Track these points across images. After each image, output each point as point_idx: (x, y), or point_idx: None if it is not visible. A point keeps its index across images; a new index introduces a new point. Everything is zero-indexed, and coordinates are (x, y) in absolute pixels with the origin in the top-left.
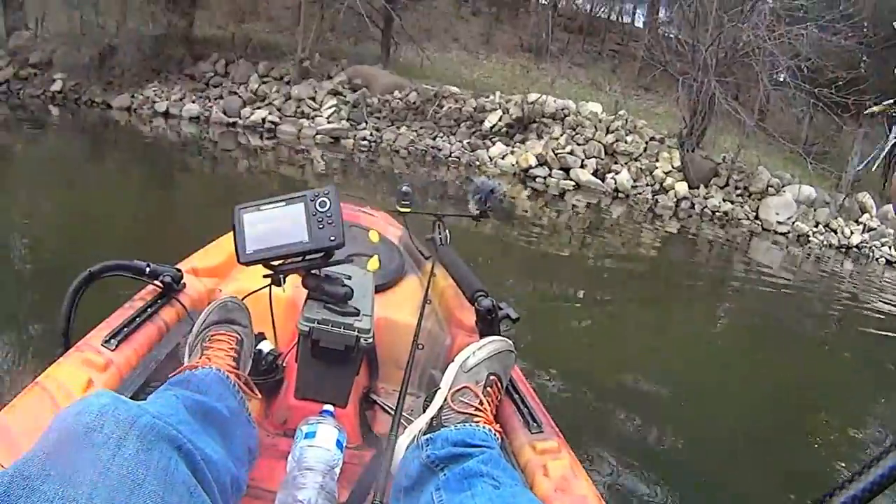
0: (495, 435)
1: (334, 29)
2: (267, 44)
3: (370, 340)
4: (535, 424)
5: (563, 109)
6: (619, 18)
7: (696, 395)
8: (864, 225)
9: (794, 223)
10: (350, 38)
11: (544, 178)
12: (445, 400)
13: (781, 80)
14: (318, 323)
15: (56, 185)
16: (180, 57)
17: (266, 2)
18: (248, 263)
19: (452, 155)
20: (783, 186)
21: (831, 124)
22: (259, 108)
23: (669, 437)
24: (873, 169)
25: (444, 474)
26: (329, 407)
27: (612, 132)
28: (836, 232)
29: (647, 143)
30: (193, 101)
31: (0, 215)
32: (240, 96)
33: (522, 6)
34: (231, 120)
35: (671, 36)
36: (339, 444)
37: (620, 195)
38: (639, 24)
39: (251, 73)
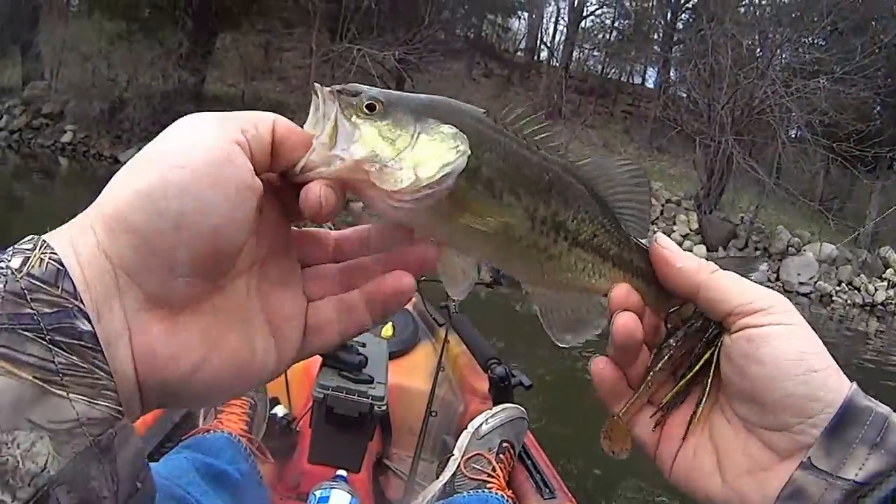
0: (508, 501)
1: None
2: (277, 103)
3: (384, 408)
4: (547, 490)
5: None
6: (630, 80)
7: None
8: (889, 281)
9: (816, 283)
10: None
11: None
12: (458, 466)
13: (797, 135)
14: (332, 390)
15: None
16: (189, 113)
17: (279, 61)
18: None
19: None
20: (803, 245)
21: (846, 178)
22: None
23: None
24: None
25: None
26: (342, 472)
27: None
28: (859, 290)
29: (663, 205)
30: None
31: None
32: None
33: (534, 68)
34: None
35: (684, 95)
36: None
37: None
38: (649, 84)
39: None
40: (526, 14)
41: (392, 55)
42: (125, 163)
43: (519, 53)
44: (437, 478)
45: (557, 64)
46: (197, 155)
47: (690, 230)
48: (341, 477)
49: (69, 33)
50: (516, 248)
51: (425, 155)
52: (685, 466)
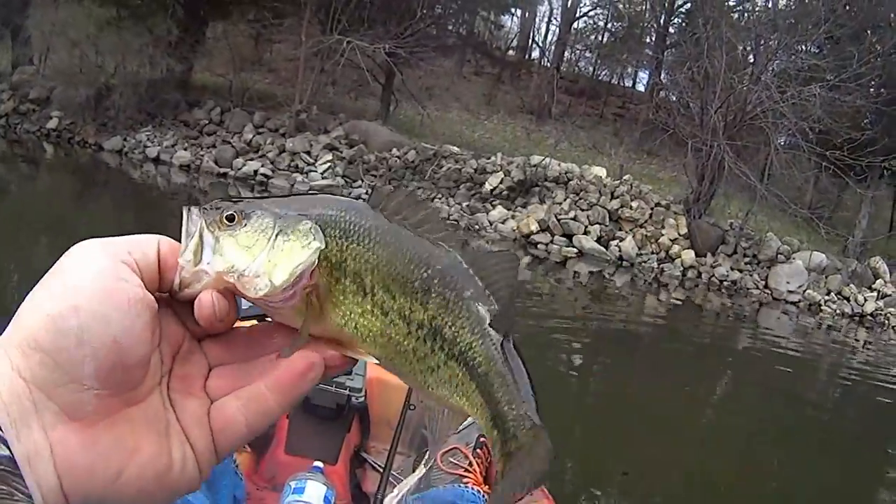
0: (484, 496)
1: (335, 83)
2: (265, 94)
3: (361, 399)
4: None
5: (566, 173)
6: (621, 82)
7: (695, 469)
8: (879, 291)
9: (805, 292)
10: (350, 92)
11: (546, 244)
12: (435, 460)
13: (789, 141)
14: None
15: (44, 228)
16: (176, 102)
17: (269, 52)
18: (242, 319)
19: (451, 218)
20: (793, 253)
21: (836, 187)
22: (252, 159)
23: None
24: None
25: None
26: (319, 463)
27: (617, 197)
28: (848, 300)
29: (652, 209)
30: (185, 149)
31: None
32: (233, 146)
33: (525, 67)
34: (222, 170)
35: (675, 99)
36: (326, 500)
37: (625, 263)
38: (640, 87)
39: (246, 123)
40: (519, 12)
41: (382, 48)
42: (110, 151)
43: (511, 52)
44: (414, 472)
45: (549, 64)
46: (90, 275)
47: (679, 234)
48: (317, 468)
49: (59, 18)
50: (397, 354)
51: (279, 257)
52: None
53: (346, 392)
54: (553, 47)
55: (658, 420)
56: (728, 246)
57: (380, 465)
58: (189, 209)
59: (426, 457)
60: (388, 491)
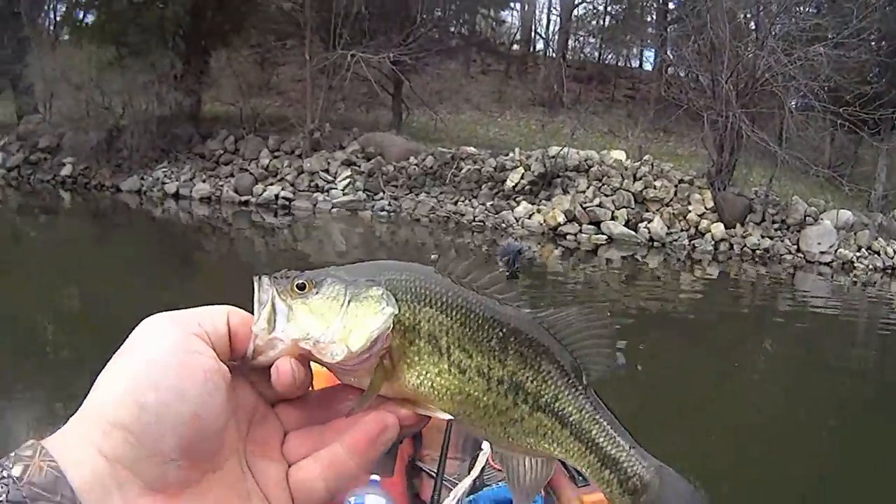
0: (540, 494)
1: (345, 98)
2: (276, 117)
3: None
4: (581, 478)
5: (586, 160)
6: (628, 63)
7: (747, 439)
8: None
9: (836, 251)
10: (361, 105)
11: (575, 234)
12: (487, 461)
13: (802, 103)
14: None
15: (69, 273)
16: (188, 136)
17: (275, 75)
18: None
19: (476, 219)
20: (820, 214)
21: (852, 143)
22: (271, 184)
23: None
24: None
25: None
26: (375, 477)
27: (640, 179)
28: (879, 254)
29: (676, 186)
30: (204, 181)
31: (13, 304)
32: (251, 173)
33: (531, 60)
34: (243, 198)
35: (684, 74)
36: None
37: (656, 244)
38: (648, 66)
39: (261, 149)
40: (518, 5)
41: (387, 58)
42: (128, 192)
43: (515, 47)
44: (469, 474)
45: (554, 54)
46: (164, 350)
47: (706, 209)
48: (375, 482)
49: (58, 63)
50: (476, 409)
51: (354, 324)
52: None
53: None
54: (556, 37)
55: (706, 395)
56: (756, 214)
57: (434, 472)
58: (259, 278)
59: (478, 459)
60: (443, 495)
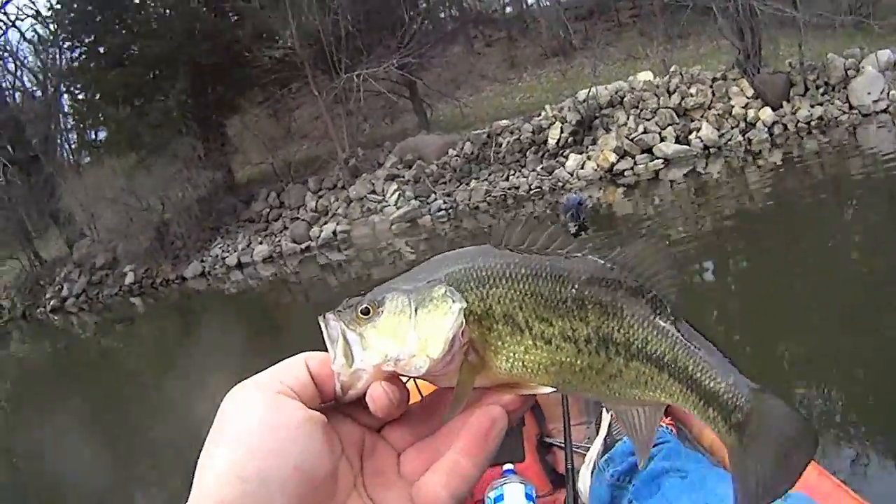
0: (668, 429)
1: (366, 118)
2: (308, 159)
3: None
4: None
5: (617, 93)
6: None
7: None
8: None
9: (890, 93)
10: (385, 119)
11: (631, 168)
12: (612, 416)
13: None
14: None
15: (162, 375)
16: (232, 207)
17: (294, 121)
18: None
19: (532, 187)
20: (860, 63)
21: None
22: (325, 223)
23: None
24: None
25: (633, 485)
26: (509, 465)
27: (674, 92)
28: None
29: (711, 86)
30: (260, 243)
31: (120, 423)
32: (302, 219)
33: (528, 17)
34: (303, 245)
35: None
36: (528, 497)
37: (712, 150)
38: None
39: (304, 193)
40: None
41: (392, 65)
42: (193, 278)
43: (508, 9)
44: (597, 434)
45: (548, 2)
46: (253, 417)
47: (748, 98)
48: (509, 471)
49: (89, 185)
50: (573, 375)
51: (428, 331)
52: None
53: None
54: None
55: (811, 285)
56: (797, 87)
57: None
58: (324, 317)
59: (603, 418)
60: (577, 463)
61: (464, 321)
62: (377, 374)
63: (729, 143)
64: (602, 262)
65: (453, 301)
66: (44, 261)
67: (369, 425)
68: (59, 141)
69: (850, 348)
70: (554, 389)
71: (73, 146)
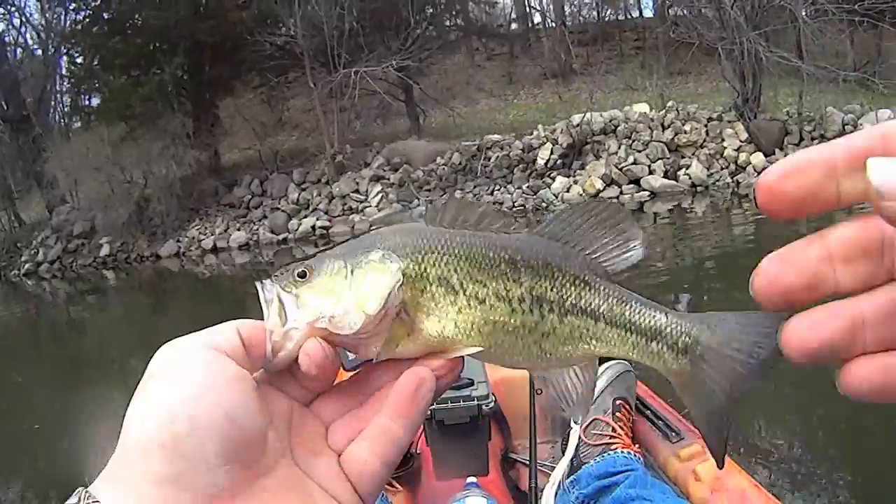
0: (636, 456)
1: (359, 116)
2: (296, 151)
3: (492, 404)
4: (673, 434)
5: (611, 121)
6: (628, 15)
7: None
8: None
9: None
10: (377, 119)
11: (616, 197)
12: (579, 437)
13: (814, 10)
14: (436, 403)
15: (138, 353)
16: (214, 189)
17: (286, 110)
18: (352, 369)
19: (516, 204)
20: (858, 119)
21: (872, 40)
22: (305, 216)
23: (812, 426)
24: None
25: None
26: (472, 478)
27: (668, 126)
28: None
29: (706, 125)
30: (238, 229)
31: (86, 393)
32: (283, 210)
33: (532, 35)
34: (280, 236)
35: (688, 11)
36: None
37: (699, 188)
38: (648, 13)
39: (288, 184)
40: None
41: (391, 66)
42: (167, 257)
43: (514, 26)
44: (563, 455)
45: (553, 23)
46: (186, 367)
47: (741, 141)
48: (472, 483)
49: (75, 152)
50: (506, 335)
51: (364, 289)
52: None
53: (476, 402)
54: (551, 6)
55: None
56: (793, 136)
57: (528, 461)
58: (261, 281)
59: (570, 438)
60: (541, 481)
61: (400, 280)
62: (309, 333)
63: (717, 183)
64: (531, 237)
65: (391, 261)
66: (23, 222)
67: (298, 398)
68: (52, 103)
69: (827, 388)
70: (481, 349)
71: (65, 110)
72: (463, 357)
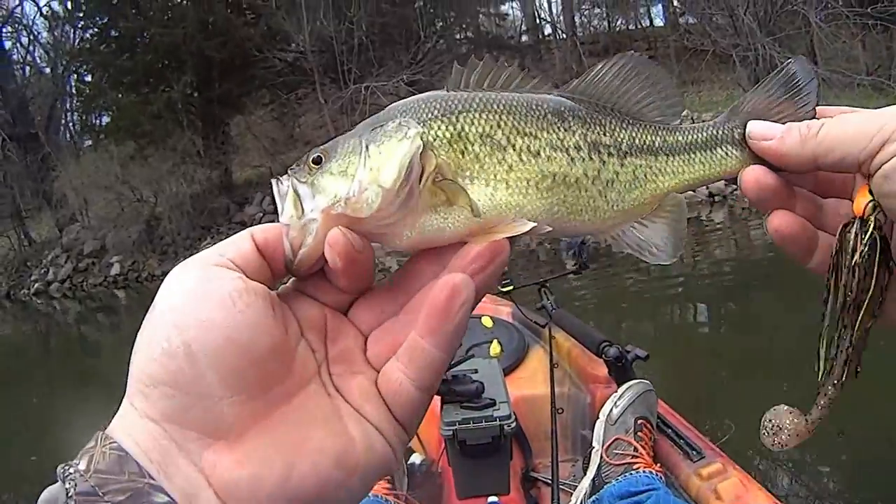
0: (657, 475)
1: None
2: None
3: (513, 425)
4: (694, 452)
5: None
6: (639, 25)
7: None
8: None
9: None
10: None
11: None
12: (601, 457)
13: (826, 15)
14: (459, 424)
15: None
16: (225, 207)
17: (297, 127)
18: None
19: None
20: None
21: (883, 40)
22: None
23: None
24: None
25: None
26: (494, 498)
27: None
28: None
29: None
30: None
31: (98, 414)
32: None
33: (543, 46)
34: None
35: (699, 18)
36: None
37: (717, 198)
38: (659, 22)
39: None
40: None
41: (401, 81)
42: None
43: (524, 38)
44: (585, 474)
45: (564, 35)
46: (182, 291)
47: None
48: (494, 503)
49: (84, 170)
50: (567, 188)
51: (379, 163)
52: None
53: (497, 423)
54: (561, 17)
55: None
56: None
57: (549, 480)
58: (277, 178)
59: (591, 457)
60: (563, 500)
61: (421, 144)
62: (328, 221)
63: (735, 192)
64: (563, 93)
65: (409, 127)
66: (33, 241)
67: (334, 304)
68: (62, 121)
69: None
70: (534, 225)
71: (75, 128)
72: (511, 242)
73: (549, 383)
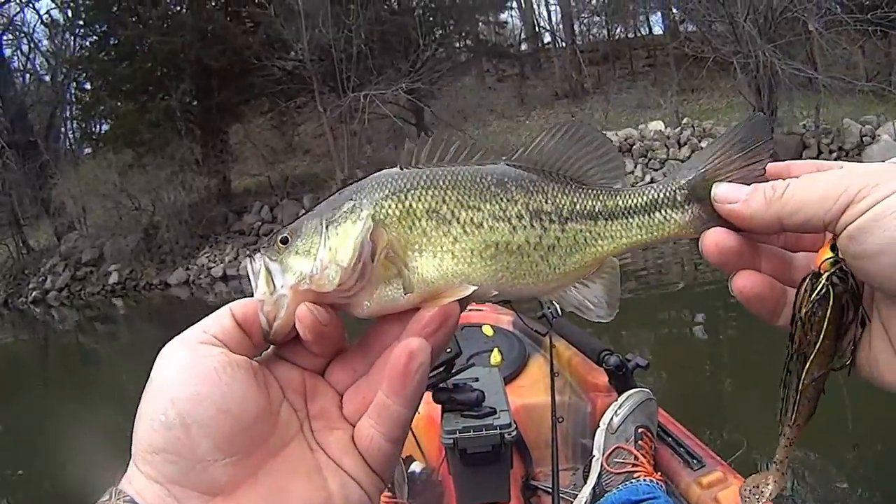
0: (658, 484)
1: (370, 140)
2: (306, 177)
3: (514, 433)
4: (695, 461)
5: (626, 139)
6: (638, 33)
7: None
8: None
9: None
10: (388, 143)
11: None
12: (602, 465)
13: (827, 21)
14: (459, 433)
15: (143, 378)
16: (223, 216)
17: (296, 135)
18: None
19: None
20: (876, 130)
21: (882, 47)
22: None
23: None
24: None
25: None
26: None
27: (685, 144)
28: None
29: None
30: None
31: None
32: None
33: (543, 55)
34: None
35: (699, 26)
36: None
37: None
38: (658, 30)
39: (298, 211)
40: (515, 3)
41: (401, 89)
42: (177, 285)
43: (524, 47)
44: (586, 483)
45: (563, 43)
46: (174, 368)
47: None
48: None
49: (82, 178)
50: (511, 261)
51: (337, 243)
52: (865, 360)
53: (498, 431)
54: (561, 26)
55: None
56: (810, 149)
57: (550, 488)
58: (249, 256)
59: (592, 466)
60: None
61: (371, 226)
62: (297, 297)
63: None
64: (508, 164)
65: (361, 209)
66: (31, 249)
67: (311, 367)
68: (62, 129)
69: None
70: (475, 288)
71: (74, 136)
72: (460, 304)
73: (550, 392)
